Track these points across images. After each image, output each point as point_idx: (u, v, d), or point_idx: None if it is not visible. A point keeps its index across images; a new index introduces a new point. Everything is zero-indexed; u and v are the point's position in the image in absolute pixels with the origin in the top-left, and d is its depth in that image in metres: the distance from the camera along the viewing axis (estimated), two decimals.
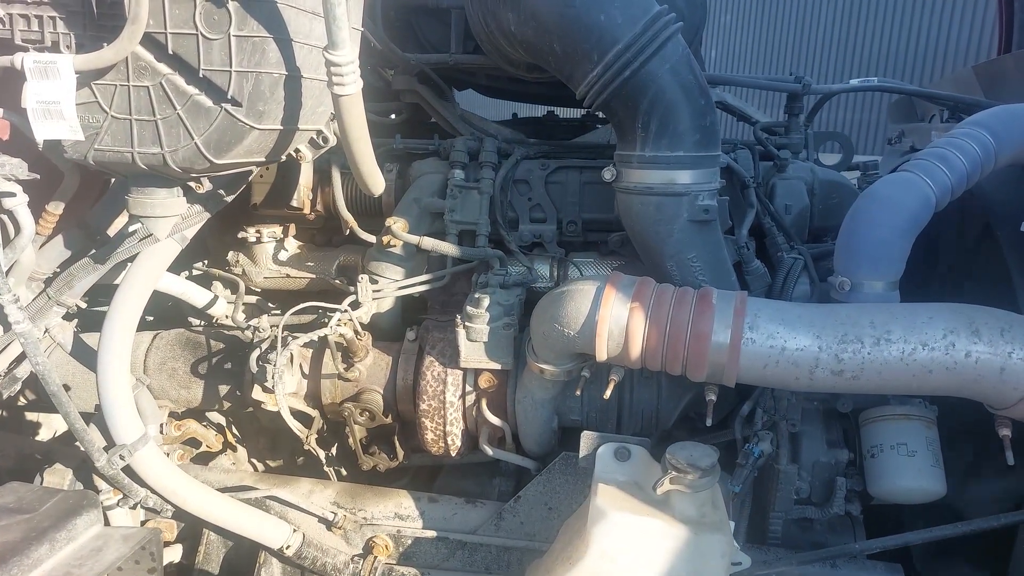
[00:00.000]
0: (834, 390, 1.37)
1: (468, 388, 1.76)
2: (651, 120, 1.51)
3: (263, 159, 1.28)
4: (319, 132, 1.35)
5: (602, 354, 1.47)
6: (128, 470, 1.47)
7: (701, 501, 1.39)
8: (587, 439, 1.55)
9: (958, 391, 1.31)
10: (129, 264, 1.49)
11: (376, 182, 1.37)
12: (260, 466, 2.22)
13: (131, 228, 1.45)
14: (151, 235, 1.31)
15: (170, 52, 1.11)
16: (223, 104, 1.12)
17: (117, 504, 1.51)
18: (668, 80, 1.49)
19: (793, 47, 12.18)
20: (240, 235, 2.00)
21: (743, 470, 1.57)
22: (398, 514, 1.76)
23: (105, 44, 1.11)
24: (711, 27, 15.17)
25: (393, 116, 2.25)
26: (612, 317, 1.44)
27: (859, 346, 1.31)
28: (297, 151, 1.36)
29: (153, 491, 1.52)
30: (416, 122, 2.29)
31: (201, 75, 1.11)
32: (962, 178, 1.52)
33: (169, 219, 1.30)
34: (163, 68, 1.12)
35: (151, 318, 2.25)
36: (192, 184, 1.29)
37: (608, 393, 1.54)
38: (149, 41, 1.11)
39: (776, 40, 12.97)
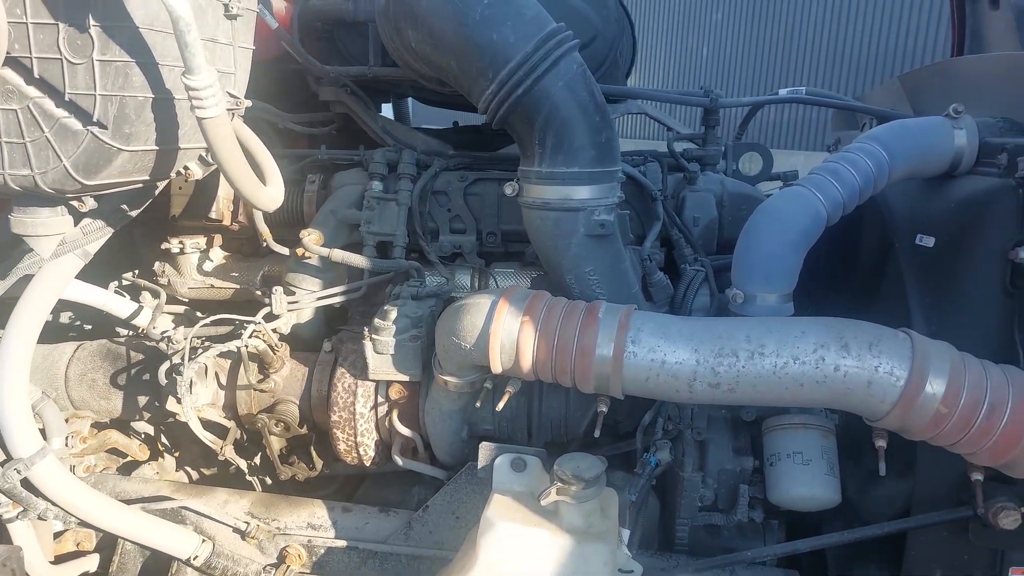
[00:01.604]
0: (714, 402, 1.39)
1: (380, 400, 1.78)
2: (547, 136, 1.53)
3: (146, 178, 1.30)
4: (207, 150, 1.37)
5: (496, 367, 1.49)
6: (28, 483, 1.49)
7: (588, 511, 1.42)
8: (485, 450, 1.58)
9: (830, 403, 1.33)
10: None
11: (261, 200, 1.39)
12: (194, 474, 2.23)
13: (27, 251, 1.47)
14: (35, 253, 1.33)
15: (36, 76, 1.13)
16: (89, 127, 1.14)
17: (16, 517, 1.53)
18: (562, 97, 1.51)
19: (782, 43, 12.27)
20: (164, 246, 2.02)
21: (640, 479, 1.59)
22: (311, 524, 1.78)
23: None
24: (701, 24, 15.26)
25: (333, 125, 2.27)
26: (504, 331, 1.46)
27: (734, 360, 1.33)
28: (186, 168, 1.37)
29: (54, 504, 1.53)
30: (350, 132, 2.30)
31: (67, 99, 1.13)
32: (854, 193, 1.54)
33: (52, 237, 1.31)
34: (31, 91, 1.14)
35: (89, 326, 2.27)
36: (75, 203, 1.30)
37: (501, 405, 1.56)
38: (16, 65, 1.13)
39: (766, 37, 13.04)
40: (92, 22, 1.10)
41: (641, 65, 17.66)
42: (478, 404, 1.64)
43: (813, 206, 1.52)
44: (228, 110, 1.30)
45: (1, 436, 1.45)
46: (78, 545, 1.85)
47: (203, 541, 1.68)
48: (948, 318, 1.52)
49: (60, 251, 1.42)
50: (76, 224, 1.41)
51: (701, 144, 1.99)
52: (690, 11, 16.38)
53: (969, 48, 3.07)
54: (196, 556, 1.66)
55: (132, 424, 2.07)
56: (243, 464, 1.93)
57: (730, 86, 15.00)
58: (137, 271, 2.12)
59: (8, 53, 1.11)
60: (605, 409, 1.53)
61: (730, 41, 15.00)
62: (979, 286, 1.45)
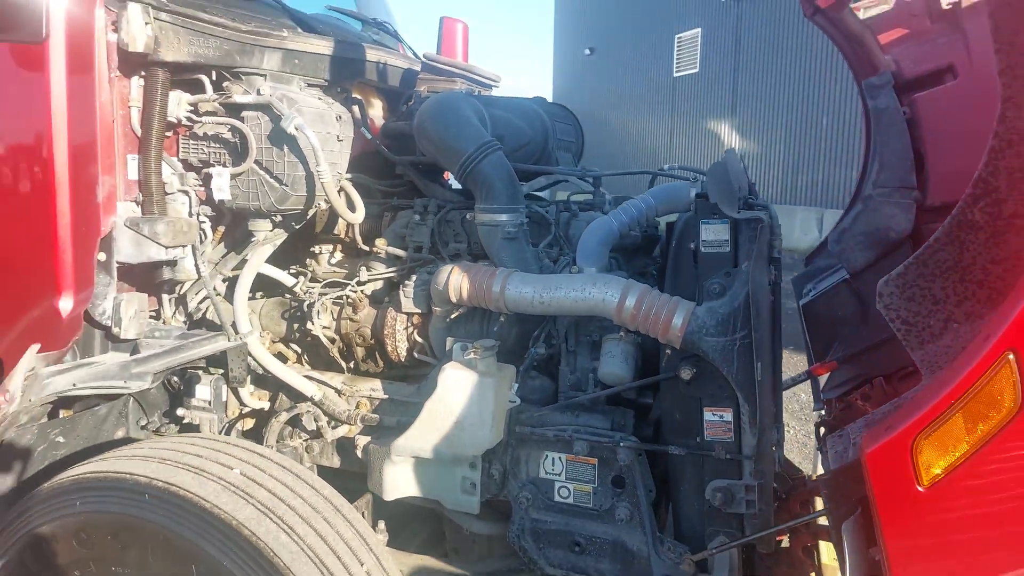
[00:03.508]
0: (547, 312, 2.94)
1: (409, 324, 3.44)
2: (482, 191, 3.17)
3: (302, 208, 3.07)
4: (327, 197, 3.12)
5: (453, 299, 3.11)
6: (244, 347, 3.26)
7: (488, 364, 2.98)
8: (449, 342, 3.21)
9: (592, 312, 2.86)
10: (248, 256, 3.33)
11: (350, 217, 3.12)
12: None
13: (252, 240, 3.28)
14: (255, 240, 3.13)
15: (263, 167, 2.92)
16: (282, 186, 2.92)
17: None
18: (488, 173, 3.14)
19: (818, 76, 13.42)
20: (311, 249, 3.82)
21: (527, 360, 3.14)
22: (372, 388, 3.44)
23: (242, 163, 2.93)
24: (742, 60, 16.59)
25: (403, 188, 4.04)
26: (454, 281, 3.08)
27: (549, 292, 2.89)
28: (319, 205, 3.14)
29: (255, 359, 3.30)
30: (412, 190, 4.05)
31: (274, 175, 2.92)
32: (633, 220, 3.08)
33: (264, 232, 3.11)
34: (261, 173, 2.94)
35: (261, 294, 4.11)
36: (273, 218, 3.10)
37: (453, 317, 3.19)
38: (257, 163, 2.93)
39: (805, 70, 14.15)
40: (285, 148, 2.89)
41: (763, 131, 19.01)
42: (449, 318, 3.27)
43: (609, 226, 3.07)
44: (335, 178, 3.05)
45: (237, 323, 3.24)
46: (258, 397, 3.62)
47: (319, 388, 3.39)
48: (678, 281, 3.01)
49: (264, 241, 3.22)
50: (272, 229, 3.21)
51: (593, 196, 3.58)
52: (811, 83, 17.49)
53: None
54: (315, 396, 3.37)
55: (290, 343, 3.86)
56: (343, 363, 3.65)
57: (851, 152, 16.10)
58: (297, 265, 3.94)
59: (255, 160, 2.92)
60: (504, 319, 3.13)
61: (848, 111, 16.00)
62: (685, 263, 2.94)
